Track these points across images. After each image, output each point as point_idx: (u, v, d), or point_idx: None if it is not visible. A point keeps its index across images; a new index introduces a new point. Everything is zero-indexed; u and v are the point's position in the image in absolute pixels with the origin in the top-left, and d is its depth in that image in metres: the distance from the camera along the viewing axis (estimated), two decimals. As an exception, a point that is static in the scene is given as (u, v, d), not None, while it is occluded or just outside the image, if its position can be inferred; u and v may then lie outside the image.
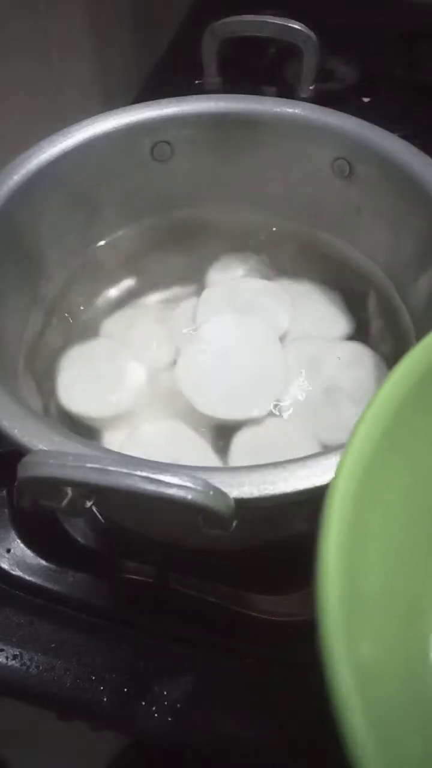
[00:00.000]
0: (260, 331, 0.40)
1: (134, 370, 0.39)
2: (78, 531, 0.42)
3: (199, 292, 0.43)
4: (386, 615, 0.21)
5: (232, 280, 0.43)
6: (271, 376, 0.38)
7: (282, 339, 0.40)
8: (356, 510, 0.19)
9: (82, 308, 0.43)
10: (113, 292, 0.44)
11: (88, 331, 0.42)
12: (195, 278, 0.43)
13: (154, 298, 0.44)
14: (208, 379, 0.38)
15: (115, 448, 0.35)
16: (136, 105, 0.41)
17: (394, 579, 0.22)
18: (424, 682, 0.22)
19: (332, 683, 0.16)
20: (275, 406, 0.37)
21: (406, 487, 0.22)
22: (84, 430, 0.37)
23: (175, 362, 0.39)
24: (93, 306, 0.43)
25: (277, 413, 0.37)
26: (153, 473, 0.21)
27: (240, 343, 0.39)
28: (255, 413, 0.36)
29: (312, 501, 0.27)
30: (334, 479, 0.20)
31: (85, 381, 0.38)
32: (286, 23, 0.44)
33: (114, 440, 0.37)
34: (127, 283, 0.44)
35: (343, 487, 0.19)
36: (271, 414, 0.37)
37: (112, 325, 0.42)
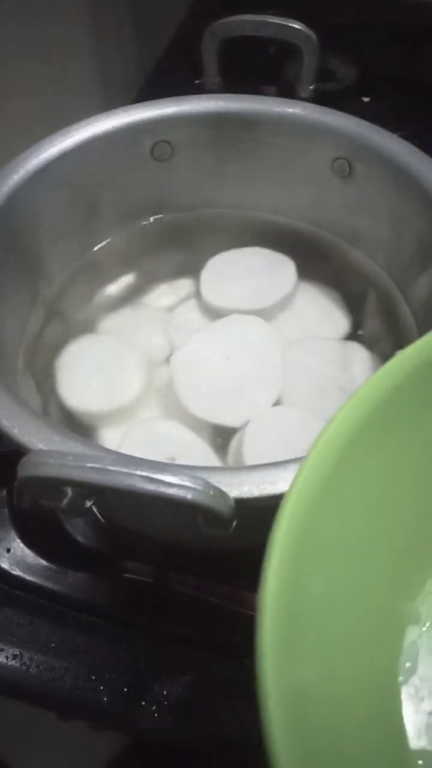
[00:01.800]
0: (259, 334, 0.39)
1: (133, 367, 0.39)
2: (78, 531, 0.42)
3: (198, 290, 0.42)
4: (334, 641, 0.21)
5: (231, 276, 0.43)
6: (268, 380, 0.37)
7: (281, 340, 0.40)
8: (302, 534, 0.19)
9: (81, 307, 0.43)
10: (113, 290, 0.44)
11: (88, 329, 0.42)
12: (194, 277, 0.43)
13: (153, 297, 0.44)
14: (203, 380, 0.37)
15: (113, 446, 0.35)
16: (136, 105, 0.41)
17: (343, 606, 0.22)
18: (387, 707, 0.22)
19: (263, 708, 0.16)
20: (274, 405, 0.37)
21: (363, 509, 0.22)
22: (83, 427, 0.37)
23: (173, 363, 0.39)
24: (93, 304, 0.43)
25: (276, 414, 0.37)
26: (153, 473, 0.21)
27: (238, 344, 0.39)
28: (247, 418, 0.36)
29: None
30: (287, 493, 0.19)
31: (85, 376, 0.38)
32: (286, 23, 0.44)
33: (112, 437, 0.37)
34: (127, 281, 0.44)
35: (293, 502, 0.19)
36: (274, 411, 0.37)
37: (111, 323, 0.42)
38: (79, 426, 0.37)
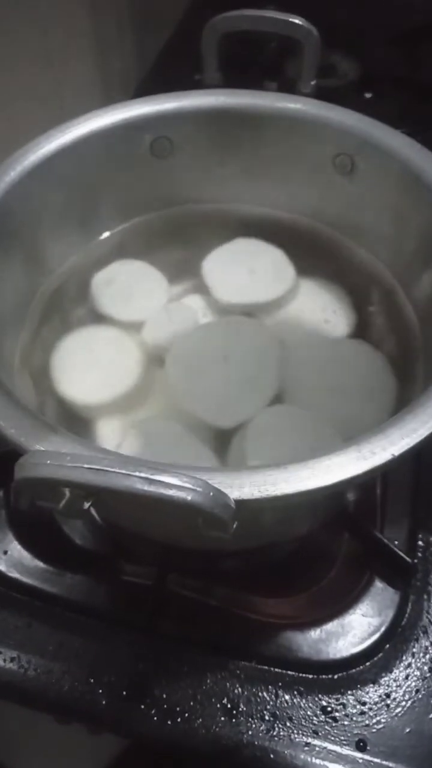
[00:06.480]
0: (258, 337, 0.39)
1: (131, 358, 0.39)
2: (76, 532, 0.41)
3: (198, 286, 0.42)
4: None
5: (232, 270, 0.42)
6: (264, 384, 0.37)
7: (282, 340, 0.40)
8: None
9: (79, 302, 0.42)
10: (112, 286, 0.43)
11: (85, 324, 0.41)
12: (194, 273, 0.43)
13: (153, 291, 0.43)
14: (199, 379, 0.37)
15: (112, 445, 0.35)
16: (136, 100, 0.41)
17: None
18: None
19: None
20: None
21: None
22: (81, 423, 0.37)
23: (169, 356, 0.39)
24: (91, 300, 0.42)
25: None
26: (152, 474, 0.21)
27: (236, 346, 0.38)
28: (240, 421, 0.35)
29: (313, 502, 0.27)
30: None
31: (82, 368, 0.38)
32: (287, 18, 0.43)
33: (111, 434, 0.36)
34: (126, 277, 0.44)
35: None
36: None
37: (109, 317, 0.41)
38: (77, 422, 0.37)
